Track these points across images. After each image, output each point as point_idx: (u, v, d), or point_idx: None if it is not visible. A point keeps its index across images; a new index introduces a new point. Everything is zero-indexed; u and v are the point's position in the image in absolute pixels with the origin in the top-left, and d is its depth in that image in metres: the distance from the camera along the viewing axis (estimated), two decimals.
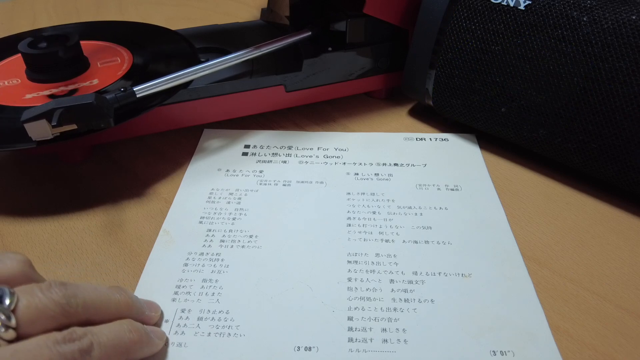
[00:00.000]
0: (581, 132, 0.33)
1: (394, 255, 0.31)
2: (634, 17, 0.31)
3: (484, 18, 0.36)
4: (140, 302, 0.26)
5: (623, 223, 0.34)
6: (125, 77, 0.37)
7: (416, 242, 0.32)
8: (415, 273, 0.30)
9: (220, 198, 0.35)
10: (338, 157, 0.39)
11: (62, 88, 0.36)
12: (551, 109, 0.34)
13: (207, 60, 0.36)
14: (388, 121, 0.44)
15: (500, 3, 0.35)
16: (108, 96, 0.31)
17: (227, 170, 0.38)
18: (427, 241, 0.32)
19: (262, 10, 0.52)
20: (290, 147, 0.40)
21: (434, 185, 0.36)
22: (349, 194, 0.36)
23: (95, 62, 0.39)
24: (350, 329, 0.27)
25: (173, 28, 0.44)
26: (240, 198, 0.35)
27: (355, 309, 0.28)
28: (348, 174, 0.37)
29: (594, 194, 0.36)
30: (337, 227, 0.33)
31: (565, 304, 0.28)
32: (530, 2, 0.34)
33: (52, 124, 0.29)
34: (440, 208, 0.34)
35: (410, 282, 0.29)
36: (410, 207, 0.34)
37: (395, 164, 0.38)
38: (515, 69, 0.35)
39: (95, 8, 0.67)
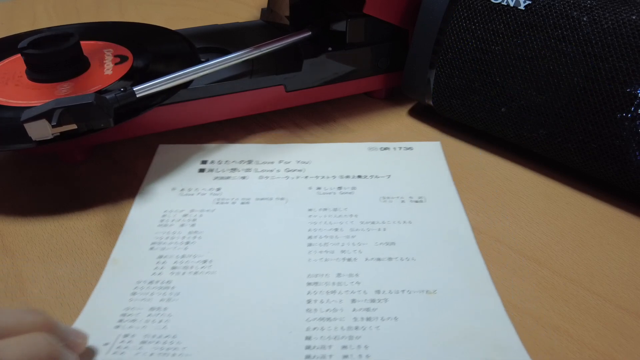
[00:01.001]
0: (581, 132, 0.33)
1: (356, 275, 0.29)
2: (634, 17, 0.31)
3: (484, 18, 0.36)
4: (62, 326, 0.24)
5: (623, 223, 0.34)
6: (125, 77, 0.37)
7: (379, 259, 0.30)
8: (378, 292, 0.28)
9: (173, 221, 0.33)
10: (300, 170, 0.37)
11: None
12: (551, 109, 0.34)
13: (207, 60, 0.36)
14: (388, 121, 0.44)
15: (500, 3, 0.35)
16: (108, 96, 0.31)
17: (182, 190, 0.35)
18: (391, 258, 0.30)
19: (262, 10, 0.52)
20: (249, 162, 0.38)
21: (398, 197, 0.35)
22: (310, 210, 0.34)
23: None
24: (308, 347, 0.26)
25: (173, 28, 0.44)
26: (194, 220, 0.33)
27: (314, 329, 0.26)
28: (310, 188, 0.36)
29: (594, 194, 0.36)
30: (297, 247, 0.31)
31: (565, 304, 0.28)
32: (530, 2, 0.34)
33: (52, 124, 0.29)
34: (404, 222, 0.33)
35: (373, 300, 0.28)
36: (373, 222, 0.33)
37: (359, 176, 0.37)
38: (515, 69, 0.35)
39: (95, 8, 0.67)
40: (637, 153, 0.32)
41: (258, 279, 0.29)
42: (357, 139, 0.41)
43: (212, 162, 0.38)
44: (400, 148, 0.40)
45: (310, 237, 0.32)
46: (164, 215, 0.33)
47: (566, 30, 0.33)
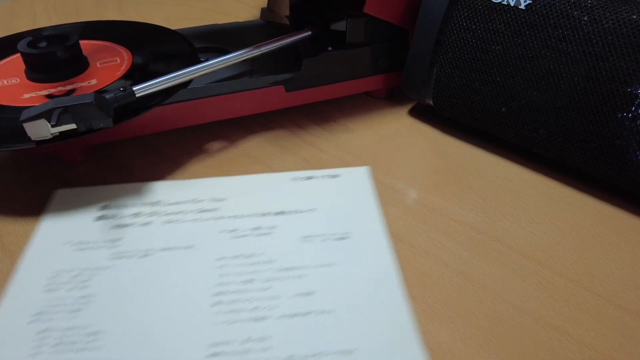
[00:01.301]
0: (581, 132, 0.33)
1: (268, 338, 0.26)
2: (634, 17, 0.31)
3: (484, 17, 0.36)
4: None
5: (623, 223, 0.34)
6: (125, 76, 0.37)
7: (294, 315, 0.27)
8: (291, 358, 0.25)
9: (61, 284, 0.28)
10: (213, 209, 0.33)
11: (60, 88, 0.36)
12: (552, 108, 0.34)
13: (207, 60, 0.36)
14: (388, 121, 0.44)
15: (500, 2, 0.35)
16: (107, 96, 0.31)
17: (75, 244, 0.31)
18: (308, 312, 0.27)
19: (262, 10, 0.52)
20: (156, 203, 0.33)
21: (320, 235, 0.31)
22: (220, 259, 0.30)
23: (94, 62, 0.39)
24: None
25: (173, 28, 0.44)
26: (87, 281, 0.28)
27: None
28: (222, 232, 0.31)
29: (595, 194, 0.36)
30: (201, 308, 0.27)
31: (565, 304, 0.28)
32: (530, 2, 0.34)
33: (51, 124, 0.29)
34: (326, 265, 0.30)
35: None
36: (291, 269, 0.29)
37: (280, 212, 0.33)
38: (516, 68, 0.35)
39: (95, 8, 0.67)
40: (638, 153, 0.32)
41: (152, 354, 0.25)
42: (357, 139, 0.41)
43: (114, 206, 0.33)
44: (326, 176, 0.36)
45: (217, 294, 0.28)
46: (52, 278, 0.29)
47: (567, 29, 0.33)
